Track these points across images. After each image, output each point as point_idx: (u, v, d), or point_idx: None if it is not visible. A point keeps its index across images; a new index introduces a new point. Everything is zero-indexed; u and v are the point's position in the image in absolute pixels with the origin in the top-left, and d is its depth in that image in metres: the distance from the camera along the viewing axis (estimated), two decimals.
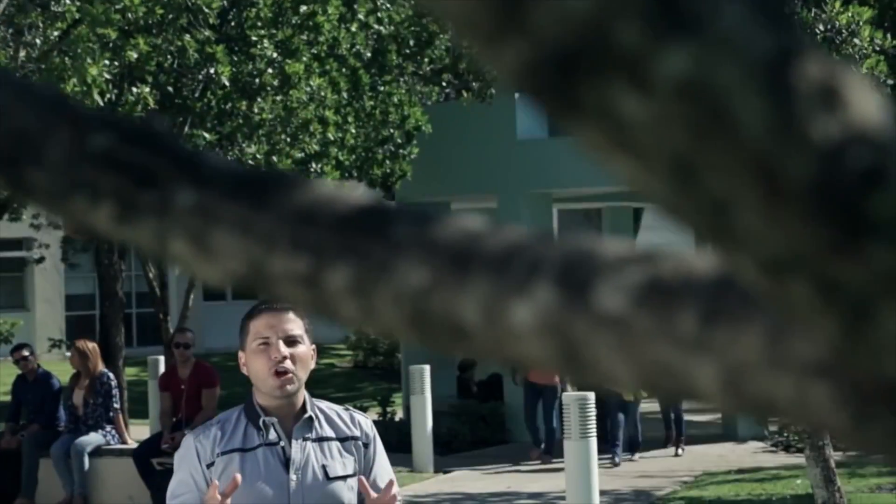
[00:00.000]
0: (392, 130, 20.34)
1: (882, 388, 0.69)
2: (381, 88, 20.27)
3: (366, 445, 4.46)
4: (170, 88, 16.24)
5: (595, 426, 13.03)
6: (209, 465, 4.33)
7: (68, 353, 17.57)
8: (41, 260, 25.90)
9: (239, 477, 4.20)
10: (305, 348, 4.39)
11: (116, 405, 15.39)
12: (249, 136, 16.89)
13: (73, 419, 15.38)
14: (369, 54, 20.09)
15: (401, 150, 20.68)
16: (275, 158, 17.15)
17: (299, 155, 17.61)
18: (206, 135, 16.62)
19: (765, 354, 0.76)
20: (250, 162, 17.00)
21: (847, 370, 0.70)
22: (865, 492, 15.03)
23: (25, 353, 15.96)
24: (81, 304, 33.59)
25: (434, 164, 21.64)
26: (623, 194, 24.27)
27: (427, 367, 18.25)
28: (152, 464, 14.44)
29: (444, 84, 24.01)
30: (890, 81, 9.76)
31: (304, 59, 17.15)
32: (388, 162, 20.59)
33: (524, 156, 21.25)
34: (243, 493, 4.26)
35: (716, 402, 0.79)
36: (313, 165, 17.99)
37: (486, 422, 17.07)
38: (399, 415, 22.10)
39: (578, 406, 12.92)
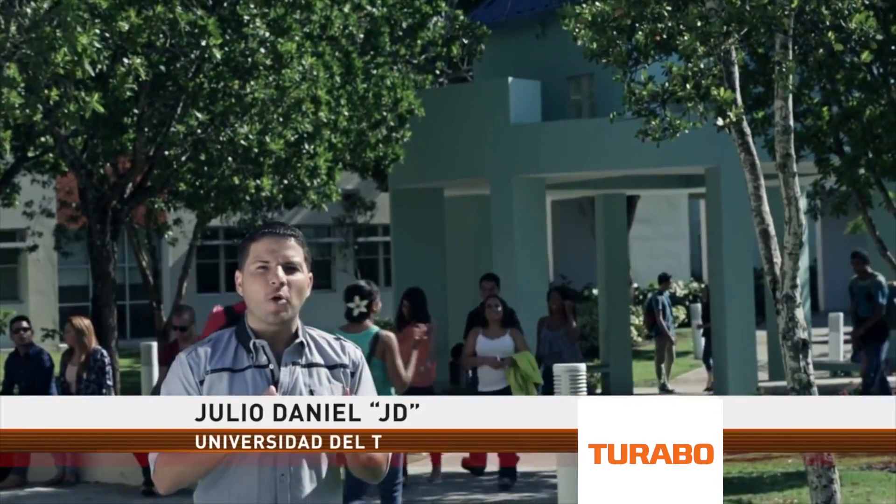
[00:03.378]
0: (385, 113, 20.29)
1: None
2: (374, 72, 20.23)
3: (353, 374, 4.48)
4: (162, 68, 16.22)
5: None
6: (200, 382, 4.34)
7: (62, 345, 17.60)
8: (34, 248, 25.86)
9: (273, 389, 4.26)
10: (303, 276, 4.42)
11: (109, 382, 15.45)
12: (241, 115, 16.86)
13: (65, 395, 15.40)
14: (362, 35, 20.07)
15: (393, 134, 20.64)
16: (267, 138, 17.12)
17: (292, 137, 17.58)
18: (199, 114, 16.61)
19: None
20: (242, 143, 16.98)
21: None
22: (856, 470, 15.02)
23: (24, 324, 16.13)
24: (74, 296, 33.62)
25: (427, 148, 21.61)
26: (617, 181, 24.26)
27: None
28: None
29: (437, 72, 24.01)
30: (879, 37, 9.74)
31: (297, 38, 17.12)
32: (380, 145, 20.55)
33: (517, 140, 21.20)
34: None
35: None
36: (306, 146, 17.98)
37: None
38: None
39: (570, 378, 12.80)
